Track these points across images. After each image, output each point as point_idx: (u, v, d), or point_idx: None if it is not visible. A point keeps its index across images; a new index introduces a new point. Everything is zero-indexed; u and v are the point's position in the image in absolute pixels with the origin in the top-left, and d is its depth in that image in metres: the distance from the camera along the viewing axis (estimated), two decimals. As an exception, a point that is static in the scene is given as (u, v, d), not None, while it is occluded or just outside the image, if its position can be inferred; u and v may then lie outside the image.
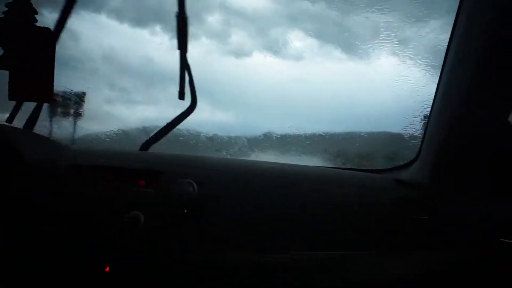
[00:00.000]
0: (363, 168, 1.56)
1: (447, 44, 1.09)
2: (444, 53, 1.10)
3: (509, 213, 0.98)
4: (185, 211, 1.22)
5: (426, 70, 1.69)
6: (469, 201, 1.07)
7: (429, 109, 1.25)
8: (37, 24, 0.95)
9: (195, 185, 1.22)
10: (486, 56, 0.88)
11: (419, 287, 1.05)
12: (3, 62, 0.89)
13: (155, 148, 1.68)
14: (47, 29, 0.93)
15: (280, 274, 1.16)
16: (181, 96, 1.46)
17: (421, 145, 1.31)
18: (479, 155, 1.05)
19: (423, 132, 1.31)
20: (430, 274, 1.05)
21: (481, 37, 0.86)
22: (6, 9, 0.92)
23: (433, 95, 1.20)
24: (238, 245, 1.20)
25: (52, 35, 0.96)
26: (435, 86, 1.19)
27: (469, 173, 1.07)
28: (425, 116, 1.39)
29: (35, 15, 0.94)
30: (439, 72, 1.17)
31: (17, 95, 0.96)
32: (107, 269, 1.25)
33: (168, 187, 1.24)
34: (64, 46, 2.06)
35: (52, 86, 0.95)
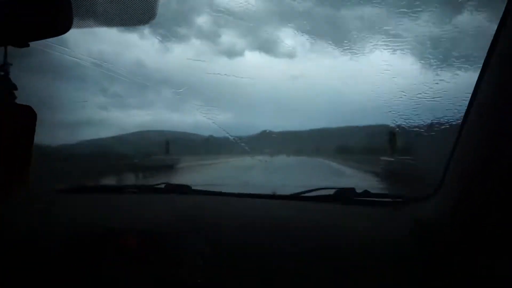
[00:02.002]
0: (373, 198, 1.36)
1: (488, 46, 0.86)
2: (485, 57, 0.88)
3: None
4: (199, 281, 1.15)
5: (429, 66, 1.65)
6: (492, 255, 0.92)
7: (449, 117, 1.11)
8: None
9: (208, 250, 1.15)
10: None
11: None
12: None
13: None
14: (28, 107, 0.89)
15: None
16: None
17: (444, 173, 1.06)
18: None
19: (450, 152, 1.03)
20: None
21: None
22: None
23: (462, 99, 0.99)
24: None
25: (33, 115, 0.90)
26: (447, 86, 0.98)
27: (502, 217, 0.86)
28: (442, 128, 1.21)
29: (15, 91, 0.89)
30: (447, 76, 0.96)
31: None
32: None
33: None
34: (52, 52, 2.02)
35: (29, 168, 0.90)
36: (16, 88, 0.90)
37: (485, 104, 0.88)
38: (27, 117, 0.89)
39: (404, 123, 1.81)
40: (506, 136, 0.82)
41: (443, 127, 1.59)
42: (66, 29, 0.86)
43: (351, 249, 1.07)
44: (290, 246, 1.10)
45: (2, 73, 0.88)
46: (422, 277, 0.99)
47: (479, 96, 0.90)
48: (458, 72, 1.63)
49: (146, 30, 1.56)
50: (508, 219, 0.86)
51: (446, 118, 1.53)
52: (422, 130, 1.77)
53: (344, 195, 1.39)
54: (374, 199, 1.33)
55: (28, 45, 0.89)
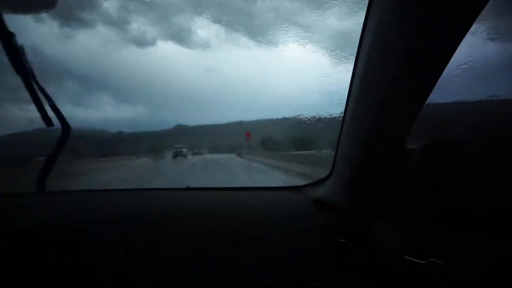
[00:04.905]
0: (278, 186, 1.52)
1: (358, 39, 0.96)
2: (356, 51, 0.98)
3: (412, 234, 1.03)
4: (108, 270, 1.12)
5: (337, 60, 1.75)
6: (380, 223, 1.09)
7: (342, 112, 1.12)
8: None
9: (117, 242, 1.13)
10: (405, 55, 0.80)
11: None
12: None
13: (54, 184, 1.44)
14: None
15: None
16: (49, 123, 1.26)
17: (335, 158, 1.22)
18: (388, 175, 1.00)
19: (336, 141, 1.18)
20: None
21: (400, 32, 0.78)
22: None
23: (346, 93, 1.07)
24: None
25: None
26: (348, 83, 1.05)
27: (379, 195, 1.05)
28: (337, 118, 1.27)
29: None
30: (351, 69, 1.03)
31: None
32: None
33: (90, 248, 1.12)
34: None
35: None
36: None
37: (358, 97, 0.99)
38: None
39: (307, 116, 1.91)
40: (378, 125, 0.93)
41: (331, 120, 1.74)
42: None
43: (264, 227, 1.19)
44: (209, 230, 1.18)
45: None
46: (322, 245, 1.16)
47: (353, 92, 1.02)
48: (345, 67, 1.77)
49: (43, 13, 1.40)
50: (386, 194, 1.04)
51: (333, 111, 1.67)
52: (317, 123, 1.90)
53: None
54: (280, 185, 1.48)
55: None
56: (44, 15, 1.54)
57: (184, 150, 6.90)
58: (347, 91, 1.06)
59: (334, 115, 1.72)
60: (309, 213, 1.21)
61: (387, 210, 1.05)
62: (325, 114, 1.75)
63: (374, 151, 0.97)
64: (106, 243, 1.13)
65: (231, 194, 1.39)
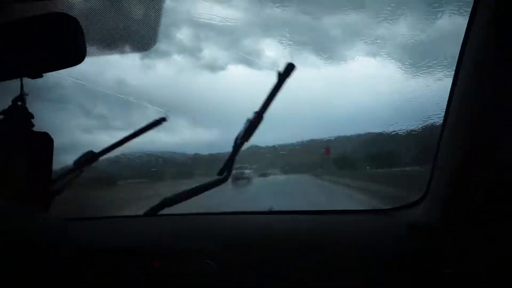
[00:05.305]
0: (363, 208, 1.38)
1: (459, 50, 0.88)
2: (457, 60, 0.91)
3: None
4: None
5: (418, 70, 1.64)
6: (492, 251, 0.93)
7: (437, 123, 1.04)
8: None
9: (212, 265, 1.13)
10: None
11: None
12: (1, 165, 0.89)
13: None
14: (45, 133, 0.93)
15: None
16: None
17: (431, 175, 1.08)
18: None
19: (433, 156, 1.05)
20: None
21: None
22: (2, 116, 0.93)
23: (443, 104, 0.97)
24: None
25: (50, 141, 0.93)
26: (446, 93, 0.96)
27: (489, 216, 0.90)
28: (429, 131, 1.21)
29: (32, 119, 0.94)
30: (452, 74, 0.95)
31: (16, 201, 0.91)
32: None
33: (184, 267, 1.14)
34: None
35: (49, 189, 0.96)
36: (32, 117, 0.94)
37: (462, 107, 0.89)
38: (45, 143, 0.93)
39: (388, 131, 1.79)
40: (486, 136, 0.83)
41: (424, 133, 1.58)
42: (80, 60, 0.87)
43: (350, 255, 1.08)
44: (296, 257, 1.11)
45: (20, 103, 0.93)
46: (417, 280, 1.00)
47: (455, 100, 0.92)
48: (436, 76, 1.63)
49: (126, 46, 1.52)
50: (497, 218, 0.88)
51: (427, 123, 1.53)
52: (406, 137, 1.75)
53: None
54: (367, 208, 1.37)
55: (42, 76, 0.91)
56: (127, 48, 1.68)
57: (247, 172, 5.63)
58: (444, 101, 0.96)
59: (420, 127, 1.59)
60: (404, 239, 1.07)
61: (500, 235, 0.89)
62: (412, 127, 1.62)
63: (483, 164, 0.85)
64: (205, 268, 1.12)
65: (313, 218, 1.33)
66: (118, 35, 1.49)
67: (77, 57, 0.87)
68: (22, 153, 0.92)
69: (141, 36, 1.38)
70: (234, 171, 1.34)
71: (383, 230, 1.18)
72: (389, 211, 1.27)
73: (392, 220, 1.23)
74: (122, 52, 1.50)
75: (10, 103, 0.93)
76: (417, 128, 1.64)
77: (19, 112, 0.93)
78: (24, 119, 0.93)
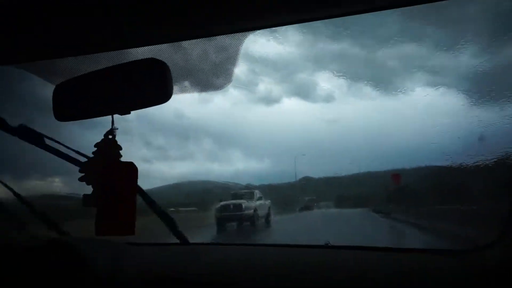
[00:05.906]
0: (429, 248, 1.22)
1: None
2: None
3: None
4: None
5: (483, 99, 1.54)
6: None
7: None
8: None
9: None
10: None
11: None
12: (91, 199, 0.97)
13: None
14: (131, 163, 1.00)
15: None
16: None
17: (510, 216, 0.97)
18: None
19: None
20: None
21: None
22: (94, 149, 1.01)
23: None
24: None
25: (135, 170, 1.01)
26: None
27: None
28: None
29: (120, 151, 1.01)
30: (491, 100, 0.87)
31: (103, 231, 1.00)
32: None
33: None
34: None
35: (135, 219, 0.99)
36: (121, 148, 1.01)
37: None
38: (130, 172, 1.00)
39: (455, 164, 1.68)
40: None
41: (499, 166, 1.43)
42: (167, 98, 0.95)
43: None
44: None
45: (111, 137, 1.01)
46: None
47: None
48: (505, 105, 1.52)
49: (186, 82, 1.60)
50: None
51: (501, 155, 1.39)
52: (477, 171, 1.61)
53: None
54: (435, 247, 1.23)
55: (129, 113, 1.00)
56: (186, 83, 1.77)
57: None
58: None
59: (493, 161, 1.44)
60: (479, 285, 0.95)
61: None
62: (484, 160, 1.50)
63: None
64: None
65: (375, 255, 1.24)
66: (180, 73, 1.58)
67: (165, 96, 0.94)
68: (111, 182, 0.98)
69: (203, 73, 1.45)
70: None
71: (451, 273, 1.07)
72: (459, 252, 1.17)
73: (462, 263, 1.11)
74: (183, 89, 1.58)
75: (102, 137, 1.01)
76: (489, 161, 1.52)
77: (111, 144, 1.01)
78: (115, 151, 1.01)
